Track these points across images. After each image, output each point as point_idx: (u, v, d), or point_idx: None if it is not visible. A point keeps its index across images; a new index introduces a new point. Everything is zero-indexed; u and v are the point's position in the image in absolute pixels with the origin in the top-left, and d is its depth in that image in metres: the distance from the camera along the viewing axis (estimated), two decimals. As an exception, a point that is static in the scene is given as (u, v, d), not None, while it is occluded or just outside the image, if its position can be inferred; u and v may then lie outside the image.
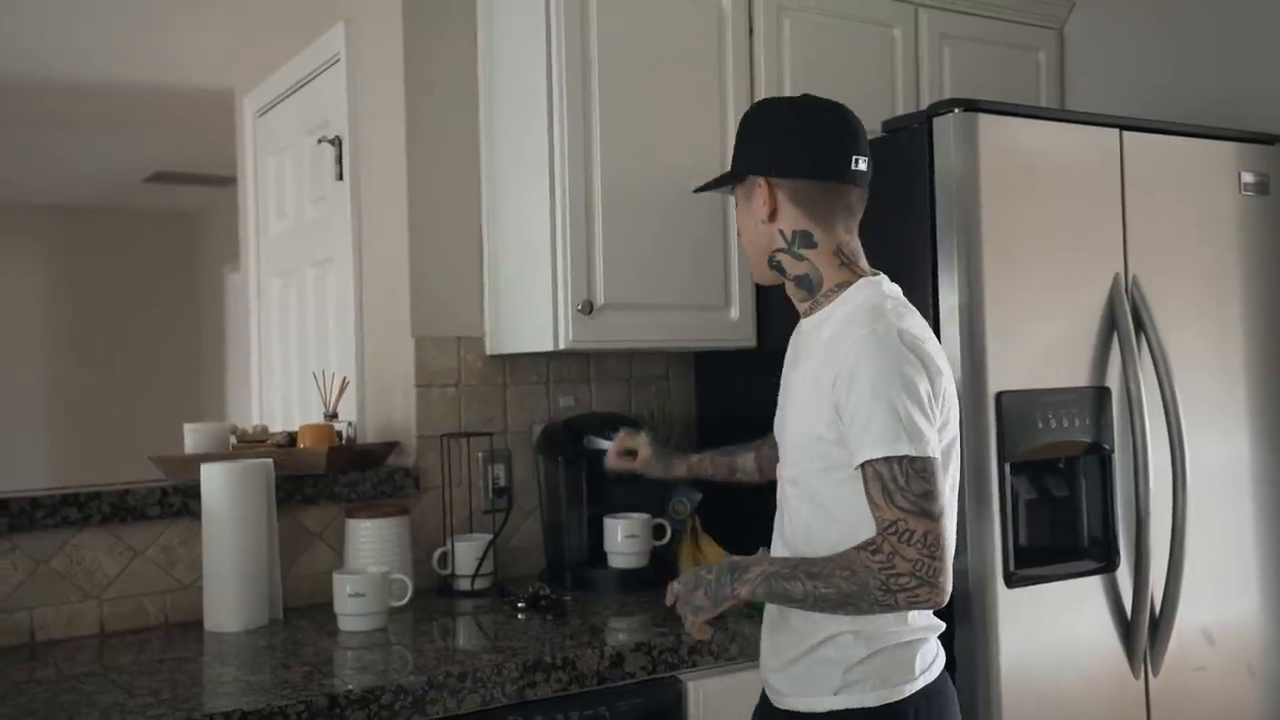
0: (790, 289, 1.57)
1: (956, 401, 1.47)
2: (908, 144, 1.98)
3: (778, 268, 1.55)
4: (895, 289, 1.53)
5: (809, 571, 1.37)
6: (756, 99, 2.34)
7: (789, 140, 1.52)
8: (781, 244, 1.52)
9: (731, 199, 1.78)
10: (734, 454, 1.93)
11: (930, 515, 1.32)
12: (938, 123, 1.93)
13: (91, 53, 4.22)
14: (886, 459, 1.33)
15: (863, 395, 1.35)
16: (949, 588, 1.33)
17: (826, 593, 1.34)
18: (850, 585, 1.33)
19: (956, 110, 1.92)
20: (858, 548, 1.36)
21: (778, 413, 1.61)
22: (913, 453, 1.33)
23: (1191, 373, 2.11)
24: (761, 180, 1.51)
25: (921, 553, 1.31)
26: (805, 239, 1.51)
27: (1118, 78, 2.73)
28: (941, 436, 1.40)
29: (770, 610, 1.56)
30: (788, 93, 2.40)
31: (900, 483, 1.32)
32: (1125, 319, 2.03)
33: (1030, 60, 2.80)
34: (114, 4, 3.70)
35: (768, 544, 1.59)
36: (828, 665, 1.45)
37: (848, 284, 1.51)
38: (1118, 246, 2.06)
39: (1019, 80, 2.77)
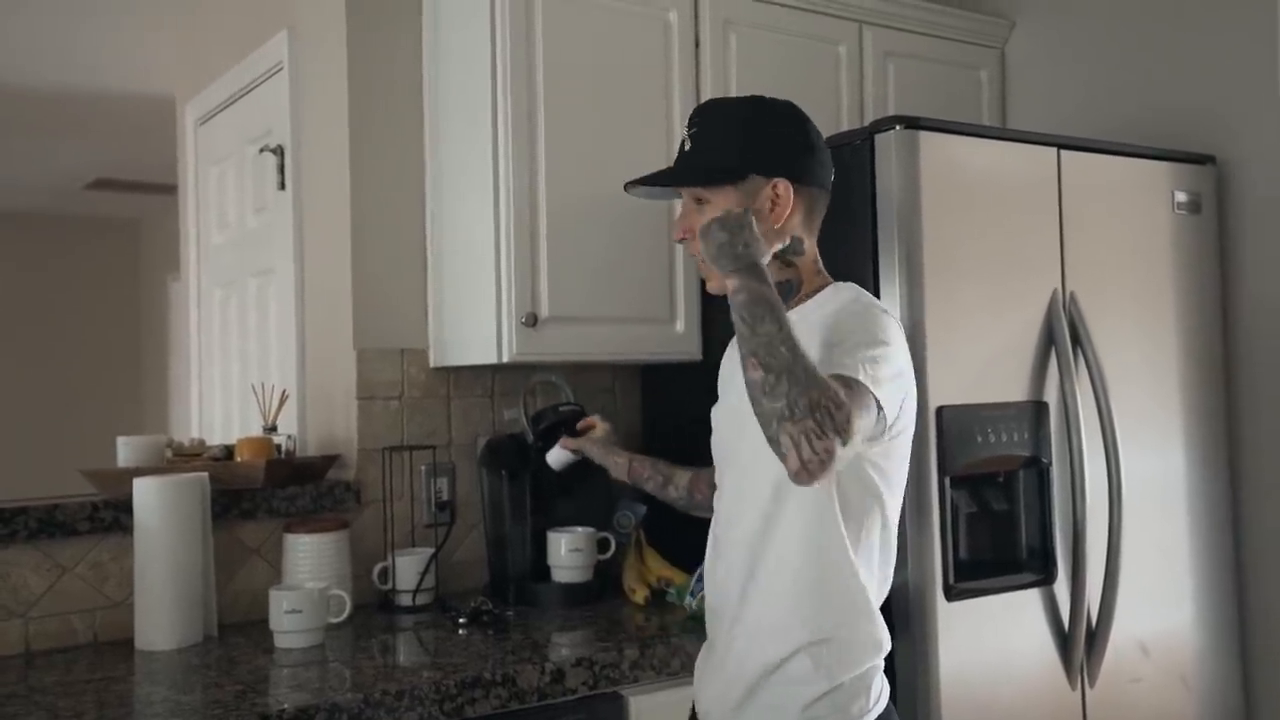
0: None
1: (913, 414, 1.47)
2: (850, 160, 1.99)
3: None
4: None
5: (786, 330, 1.28)
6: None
7: (803, 145, 1.51)
8: (776, 248, 1.48)
9: (679, 200, 1.63)
10: (672, 468, 1.89)
11: (851, 415, 1.25)
12: (879, 139, 1.95)
13: (31, 57, 4.13)
14: (853, 380, 1.30)
15: (848, 337, 1.37)
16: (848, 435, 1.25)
17: (782, 351, 1.25)
18: (802, 368, 1.24)
19: (898, 127, 1.94)
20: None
21: (724, 426, 1.56)
22: (876, 394, 1.31)
23: (1127, 387, 2.14)
24: (783, 183, 1.47)
25: (848, 402, 1.25)
26: (798, 245, 1.50)
27: (1057, 97, 2.78)
28: (899, 429, 1.41)
29: (716, 632, 1.52)
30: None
31: (854, 390, 1.29)
32: (1063, 335, 2.06)
33: (973, 79, 2.84)
34: (54, 8, 3.63)
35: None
36: (784, 705, 1.40)
37: (823, 287, 1.51)
38: (1055, 264, 2.09)
39: (962, 98, 2.81)
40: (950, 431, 1.91)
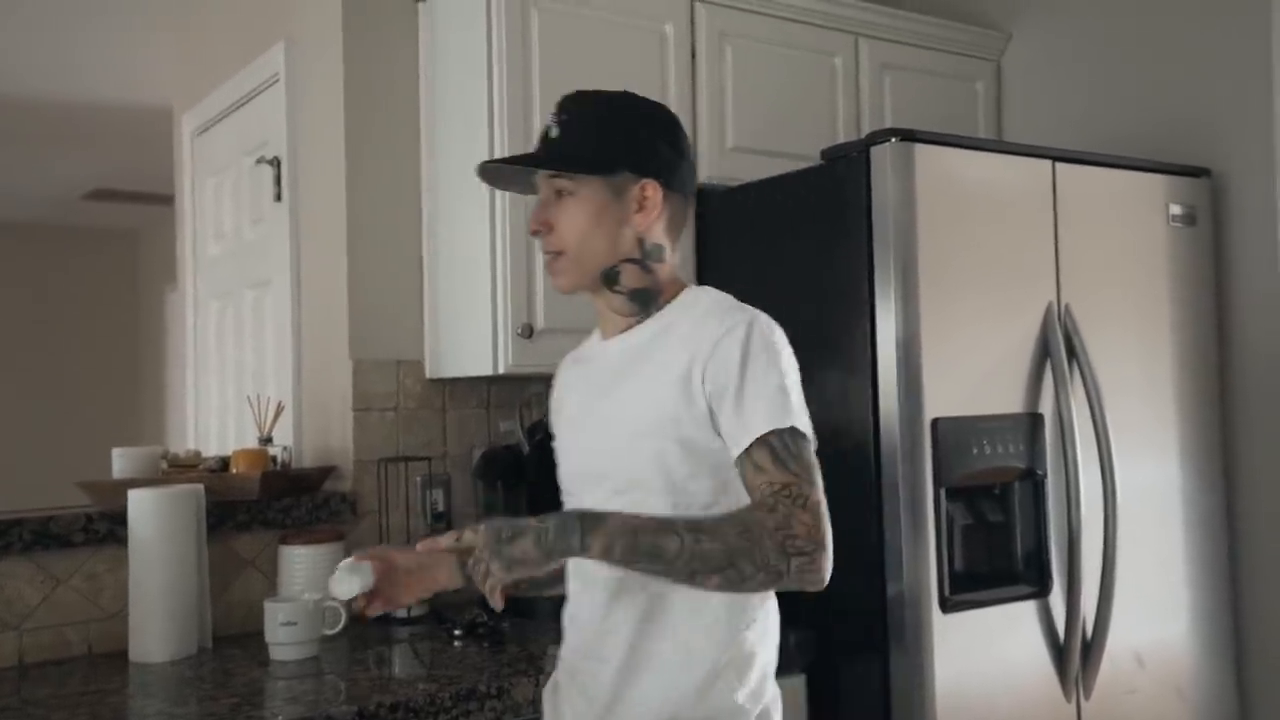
0: (617, 302, 1.43)
1: None
2: (846, 172, 2.00)
3: (612, 277, 1.41)
4: None
5: (688, 525, 1.22)
6: (698, 124, 2.37)
7: (676, 150, 1.44)
8: (635, 254, 1.40)
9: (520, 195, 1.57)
10: None
11: (817, 486, 1.26)
12: (875, 152, 1.95)
13: (29, 67, 4.14)
14: (777, 431, 1.27)
15: (751, 377, 1.29)
16: (830, 569, 1.24)
17: (711, 548, 1.19)
18: (742, 541, 1.20)
19: (894, 140, 1.94)
20: (747, 508, 1.26)
21: (573, 449, 1.47)
22: (800, 427, 1.29)
23: (1122, 399, 2.14)
24: (653, 184, 1.39)
25: (817, 518, 1.23)
26: (659, 252, 1.42)
27: (1053, 109, 2.79)
28: None
29: (589, 674, 1.39)
30: (730, 117, 2.43)
31: (791, 450, 1.26)
32: (1058, 346, 2.06)
33: (969, 91, 2.85)
34: (53, 19, 3.64)
35: None
36: None
37: (678, 293, 1.44)
38: (1050, 275, 2.10)
39: (958, 110, 2.81)
40: (945, 443, 1.91)
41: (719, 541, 1.20)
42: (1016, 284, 2.06)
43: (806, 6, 2.53)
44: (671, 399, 1.32)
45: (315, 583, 2.06)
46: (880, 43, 2.66)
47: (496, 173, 1.48)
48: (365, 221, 2.34)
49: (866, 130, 2.51)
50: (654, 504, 1.30)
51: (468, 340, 2.24)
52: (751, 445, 1.27)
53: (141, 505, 1.91)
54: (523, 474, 2.22)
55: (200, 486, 2.01)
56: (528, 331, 2.12)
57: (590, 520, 1.23)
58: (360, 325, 2.32)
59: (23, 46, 3.89)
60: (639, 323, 1.43)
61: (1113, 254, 2.20)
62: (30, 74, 4.21)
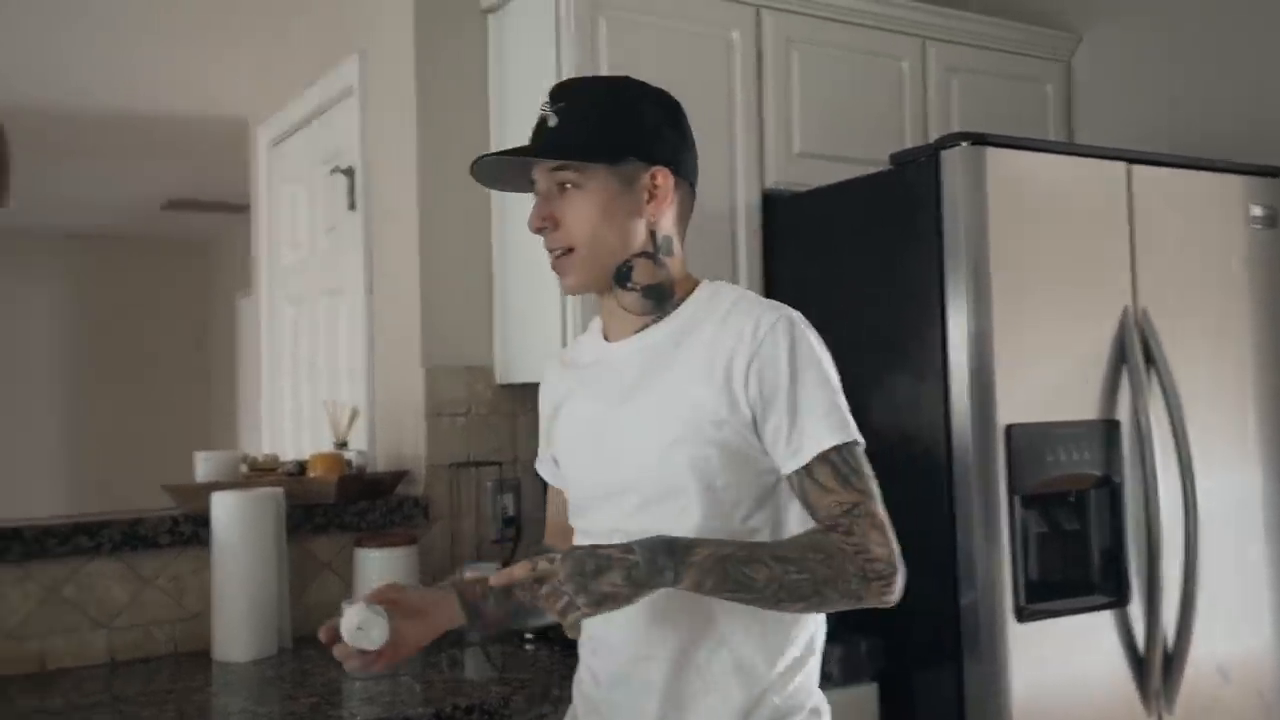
0: (629, 300, 1.34)
1: None
2: (915, 177, 1.99)
3: (624, 274, 1.32)
4: None
5: (774, 554, 1.19)
6: (765, 129, 2.37)
7: (681, 135, 1.37)
8: (648, 247, 1.32)
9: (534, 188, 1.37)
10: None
11: (880, 500, 1.24)
12: (945, 156, 1.94)
13: (111, 83, 4.27)
14: (838, 447, 1.23)
15: (803, 386, 1.24)
16: (903, 586, 1.24)
17: (798, 579, 1.17)
18: (827, 569, 1.18)
19: (964, 144, 1.92)
20: (819, 530, 1.23)
21: (589, 462, 1.36)
22: (859, 440, 1.25)
23: (1201, 405, 2.10)
24: (663, 171, 1.32)
25: (889, 537, 1.22)
26: (668, 245, 1.34)
27: (1125, 110, 2.74)
28: None
29: (628, 703, 1.31)
30: (797, 123, 2.42)
31: (853, 465, 1.23)
32: (1135, 351, 2.02)
33: (1038, 92, 2.81)
34: (132, 35, 3.75)
35: None
36: None
37: (692, 289, 1.36)
38: (1126, 279, 2.06)
39: (1027, 112, 2.78)
40: (1019, 450, 1.89)
41: (806, 571, 1.18)
42: (1091, 288, 2.03)
43: (873, 11, 2.52)
44: (711, 401, 1.25)
45: (390, 585, 2.10)
46: (947, 45, 2.63)
47: (492, 173, 1.39)
48: (437, 229, 2.38)
49: (934, 134, 2.49)
50: (690, 516, 1.26)
51: (537, 346, 2.26)
52: (812, 462, 1.23)
53: (224, 507, 1.97)
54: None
55: (280, 490, 2.06)
56: (597, 338, 2.14)
57: (681, 551, 1.17)
58: (432, 331, 2.36)
59: (104, 62, 4.02)
60: (654, 322, 1.34)
61: (1190, 257, 2.16)
62: (111, 89, 4.34)
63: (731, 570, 1.17)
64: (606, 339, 1.40)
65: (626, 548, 1.16)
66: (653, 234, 1.32)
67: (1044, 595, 1.92)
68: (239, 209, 5.03)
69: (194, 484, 2.21)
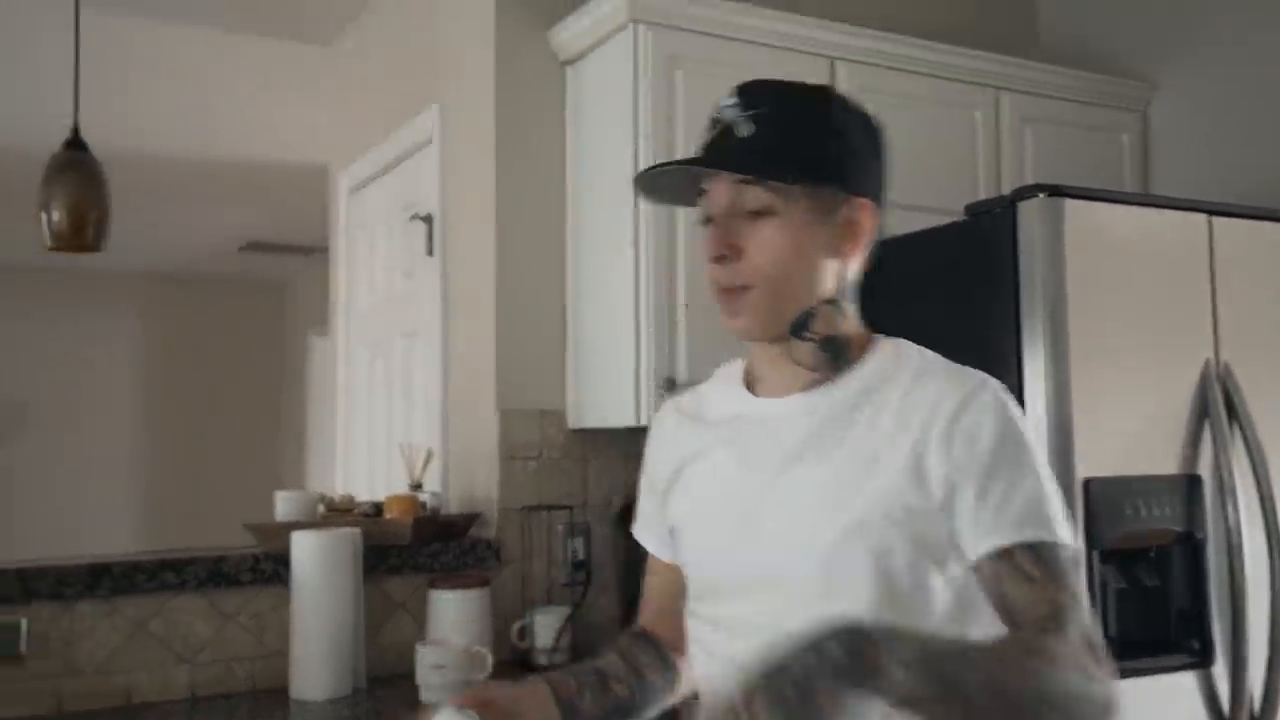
0: (805, 352, 1.12)
1: None
2: (991, 228, 1.99)
3: (803, 323, 1.11)
4: None
5: (984, 652, 0.96)
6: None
7: (884, 168, 1.17)
8: (834, 293, 1.13)
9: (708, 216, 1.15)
10: (640, 654, 1.25)
11: (1089, 612, 1.01)
12: (1022, 208, 1.94)
13: (195, 130, 4.43)
14: (1051, 544, 1.02)
15: (1009, 462, 1.04)
16: None
17: (1016, 688, 0.92)
18: (1050, 677, 0.93)
19: (1041, 195, 1.92)
20: (1033, 632, 0.98)
21: (729, 542, 1.12)
22: (1074, 543, 1.04)
23: (1287, 461, 2.05)
24: (869, 206, 1.13)
25: (1101, 644, 0.99)
26: (852, 292, 1.16)
27: (1203, 160, 2.71)
28: None
29: None
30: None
31: (1064, 566, 1.01)
32: (1217, 405, 1.99)
33: (1114, 142, 2.80)
34: (216, 84, 3.90)
35: None
36: None
37: (871, 344, 1.17)
38: (1208, 331, 2.03)
39: (1102, 162, 2.76)
40: (1098, 504, 1.86)
41: (1025, 680, 0.93)
42: (1171, 341, 2.00)
43: (945, 62, 2.53)
44: (899, 483, 1.04)
45: (462, 626, 2.12)
46: (1021, 96, 2.64)
47: (654, 181, 1.17)
48: (513, 275, 2.43)
49: (1008, 184, 2.49)
50: (891, 578, 1.04)
51: (610, 392, 2.29)
52: (1014, 546, 1.01)
53: (305, 547, 2.01)
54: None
55: (358, 530, 2.10)
56: (669, 384, 2.16)
57: (875, 651, 0.88)
58: (506, 376, 2.40)
59: (190, 111, 4.18)
60: (825, 380, 1.12)
61: (1273, 309, 2.12)
62: (195, 136, 4.51)
63: (945, 668, 0.91)
64: (751, 392, 1.18)
65: (817, 647, 0.88)
66: (840, 278, 1.13)
67: (1123, 653, 1.85)
68: (314, 251, 5.17)
69: (275, 523, 2.26)
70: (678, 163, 1.15)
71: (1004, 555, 1.01)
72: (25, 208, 2.62)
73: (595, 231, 2.38)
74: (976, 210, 2.07)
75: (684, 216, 2.21)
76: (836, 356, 1.13)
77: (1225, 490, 1.97)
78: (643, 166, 2.20)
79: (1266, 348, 2.09)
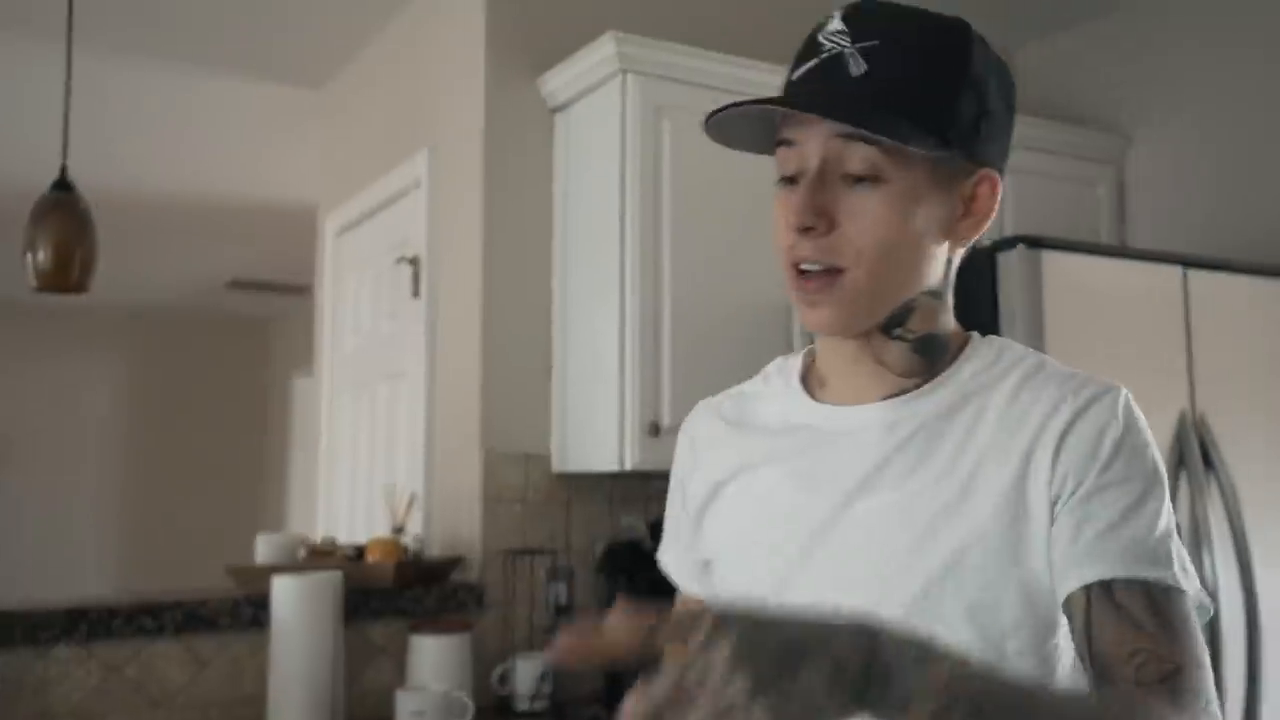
0: (896, 354, 0.91)
1: None
2: (972, 276, 2.01)
3: (899, 318, 0.90)
4: None
5: (1058, 706, 0.72)
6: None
7: (1012, 119, 0.93)
8: (938, 283, 0.91)
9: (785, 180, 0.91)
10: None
11: (1208, 669, 0.79)
12: (1002, 258, 1.97)
13: (184, 169, 4.45)
14: (1167, 588, 0.80)
15: (1127, 481, 0.83)
16: None
17: None
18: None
19: (1021, 245, 1.96)
20: (1137, 692, 0.76)
21: (793, 575, 0.89)
22: (1200, 596, 0.83)
23: (1262, 508, 2.08)
24: (994, 179, 0.90)
25: (1214, 703, 0.78)
26: (955, 281, 0.95)
27: (1177, 211, 2.76)
28: None
29: None
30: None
31: (1184, 617, 0.80)
32: (1193, 455, 2.02)
33: (1090, 194, 2.85)
34: (209, 126, 3.92)
35: None
36: None
37: (964, 344, 0.94)
38: (1183, 382, 2.07)
39: (1079, 213, 2.81)
40: (1078, 552, 1.88)
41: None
42: (1148, 391, 2.00)
43: (927, 113, 2.58)
44: (1001, 512, 0.84)
45: (442, 672, 2.11)
46: (1001, 147, 2.68)
47: (723, 123, 0.90)
48: (499, 318, 2.44)
49: (987, 232, 2.53)
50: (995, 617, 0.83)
51: (594, 436, 2.30)
52: (1117, 581, 0.79)
53: (285, 591, 2.00)
54: (645, 569, 2.24)
55: (339, 574, 2.09)
56: (654, 429, 2.17)
57: (929, 659, 0.64)
58: (491, 418, 2.41)
59: (181, 150, 4.20)
60: (915, 385, 0.91)
61: (1248, 361, 2.16)
62: (184, 175, 4.52)
63: (990, 711, 0.64)
64: (813, 397, 0.96)
65: (830, 628, 0.63)
66: (949, 263, 0.92)
67: (1104, 702, 1.88)
68: (299, 289, 5.18)
69: (256, 566, 2.25)
70: (764, 101, 0.86)
71: (1103, 591, 0.79)
72: (10, 246, 2.63)
73: (581, 276, 2.40)
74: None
75: (670, 262, 2.24)
76: (933, 358, 0.92)
77: (1201, 538, 1.99)
78: (629, 213, 2.24)
79: (1240, 398, 2.13)
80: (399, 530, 2.40)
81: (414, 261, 2.74)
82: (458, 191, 2.60)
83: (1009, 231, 2.51)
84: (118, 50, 3.17)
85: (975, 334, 0.96)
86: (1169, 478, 1.95)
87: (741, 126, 0.90)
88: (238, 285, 6.40)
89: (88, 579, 5.90)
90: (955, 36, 0.88)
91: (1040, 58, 3.13)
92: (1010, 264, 1.96)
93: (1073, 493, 0.83)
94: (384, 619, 2.22)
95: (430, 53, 2.80)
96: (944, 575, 0.83)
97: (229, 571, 2.23)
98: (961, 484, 0.85)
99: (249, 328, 7.53)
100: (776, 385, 1.00)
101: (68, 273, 2.28)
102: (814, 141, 0.86)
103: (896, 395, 0.91)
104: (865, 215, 0.85)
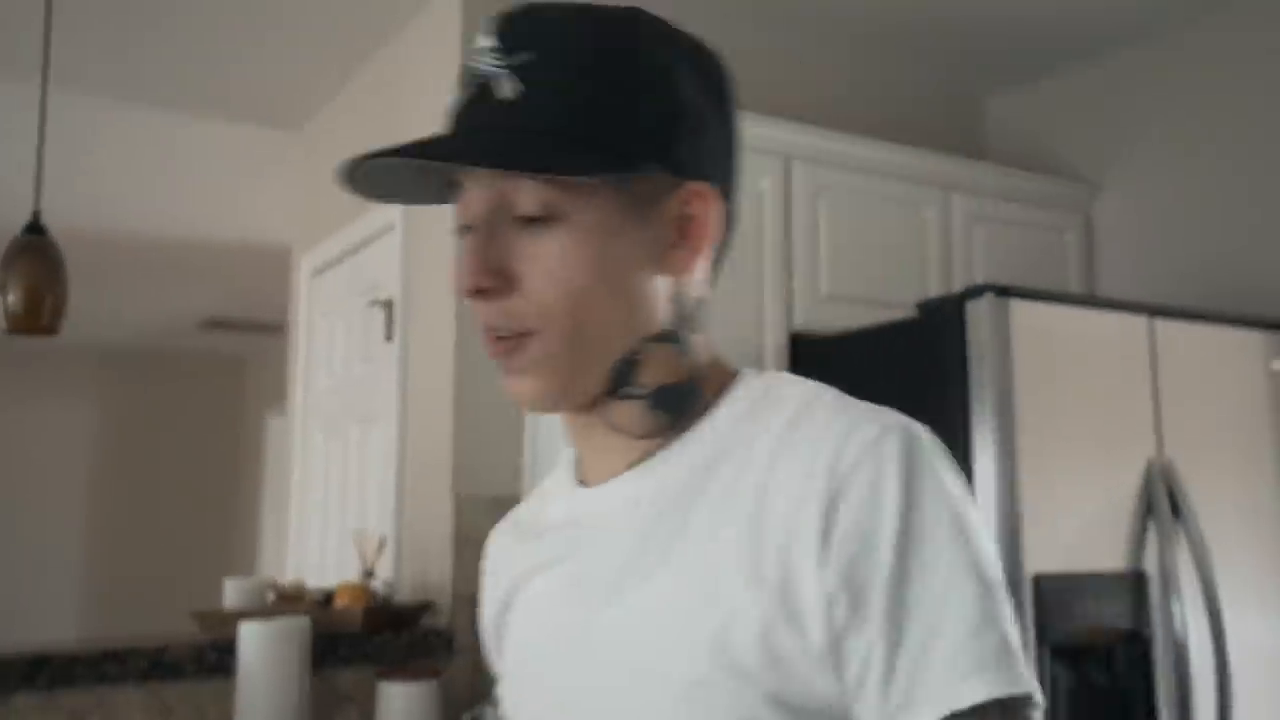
0: (628, 415, 0.74)
1: None
2: (942, 325, 2.04)
3: (623, 374, 0.73)
4: None
5: None
6: (795, 270, 2.44)
7: (728, 118, 0.77)
8: (669, 323, 0.75)
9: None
10: None
11: None
12: (971, 307, 1.99)
13: (157, 210, 4.44)
14: (1001, 703, 0.62)
15: (925, 562, 0.65)
16: None
17: None
18: None
19: (990, 294, 1.98)
20: None
21: (540, 697, 0.77)
22: (1030, 692, 0.64)
23: (1231, 556, 2.09)
24: (705, 192, 0.74)
25: None
26: (700, 314, 0.78)
27: (1146, 259, 2.81)
28: None
29: None
30: (824, 266, 2.49)
31: None
32: (1161, 502, 2.03)
33: (1059, 242, 2.89)
34: (184, 166, 3.92)
35: None
36: None
37: (730, 381, 0.78)
38: (1150, 431, 2.09)
39: (1049, 261, 2.85)
40: (1048, 600, 1.89)
41: None
42: (1116, 439, 2.05)
43: (897, 161, 2.62)
44: (759, 607, 0.66)
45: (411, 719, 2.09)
46: (970, 196, 2.72)
47: (371, 175, 0.73)
48: (471, 361, 2.44)
49: (958, 279, 2.56)
50: None
51: (566, 481, 2.29)
52: (965, 714, 0.62)
53: (252, 637, 1.97)
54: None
55: (307, 620, 2.07)
56: (626, 475, 2.17)
57: None
58: (462, 461, 2.40)
59: (156, 191, 4.19)
60: (662, 446, 0.75)
61: (1214, 409, 2.18)
62: (157, 216, 4.52)
63: None
64: (582, 481, 0.80)
65: None
66: (677, 300, 0.75)
67: (1075, 751, 1.88)
68: (273, 328, 5.16)
69: (222, 611, 2.22)
70: (388, 153, 0.69)
71: None
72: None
73: (554, 321, 2.40)
74: (927, 307, 2.12)
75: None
76: (680, 413, 0.74)
77: (1170, 586, 2.00)
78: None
79: (1207, 446, 2.15)
80: (369, 574, 2.38)
81: (387, 305, 2.74)
82: (431, 235, 2.61)
83: (978, 279, 2.55)
84: (93, 91, 3.17)
85: (747, 371, 0.79)
86: (1139, 523, 2.01)
87: (403, 175, 0.75)
88: (212, 324, 6.37)
89: (55, 623, 5.80)
90: (620, 28, 0.72)
91: (1009, 107, 3.19)
92: (979, 313, 1.97)
93: (859, 589, 0.64)
94: (352, 665, 2.19)
95: (405, 97, 2.82)
96: (691, 689, 0.66)
97: (194, 617, 2.21)
98: (709, 575, 0.68)
99: (223, 366, 7.47)
100: (560, 475, 0.83)
101: (38, 315, 2.27)
102: (478, 186, 0.71)
103: (639, 463, 0.75)
104: (545, 263, 0.70)
